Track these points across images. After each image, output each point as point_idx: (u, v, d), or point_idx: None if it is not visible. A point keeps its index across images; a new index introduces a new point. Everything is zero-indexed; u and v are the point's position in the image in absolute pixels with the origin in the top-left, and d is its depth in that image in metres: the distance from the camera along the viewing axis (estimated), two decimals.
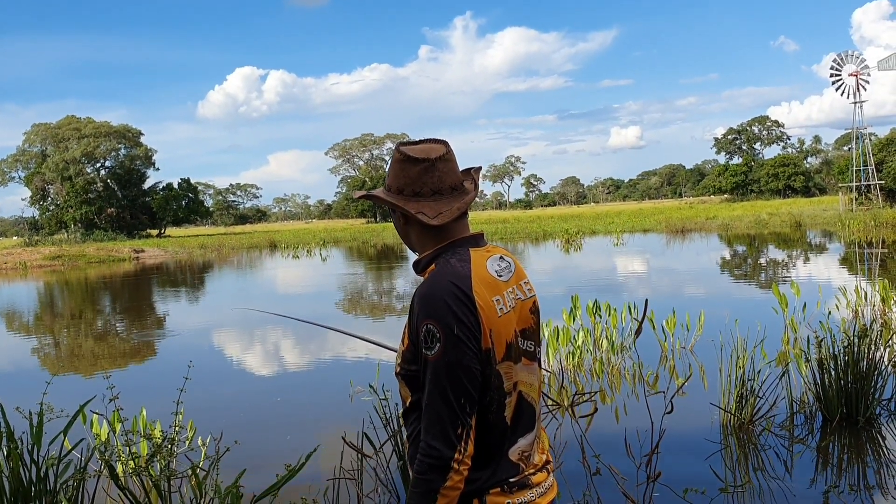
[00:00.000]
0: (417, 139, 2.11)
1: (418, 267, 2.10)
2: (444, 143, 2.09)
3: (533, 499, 1.99)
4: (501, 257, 2.07)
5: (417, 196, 2.03)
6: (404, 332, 2.01)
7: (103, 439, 5.18)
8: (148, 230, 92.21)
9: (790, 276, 18.34)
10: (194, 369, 4.64)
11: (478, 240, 2.09)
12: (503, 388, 1.95)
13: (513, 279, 2.06)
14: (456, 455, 1.84)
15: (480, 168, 2.22)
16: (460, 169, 2.15)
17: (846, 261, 22.80)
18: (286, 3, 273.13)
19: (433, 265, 2.04)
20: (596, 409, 5.22)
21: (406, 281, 23.81)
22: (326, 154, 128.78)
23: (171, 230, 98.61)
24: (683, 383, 5.07)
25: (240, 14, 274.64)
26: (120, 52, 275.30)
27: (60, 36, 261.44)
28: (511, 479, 1.96)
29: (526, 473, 2.00)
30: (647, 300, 4.07)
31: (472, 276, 1.94)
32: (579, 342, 9.01)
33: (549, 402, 6.43)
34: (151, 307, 22.25)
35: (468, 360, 1.86)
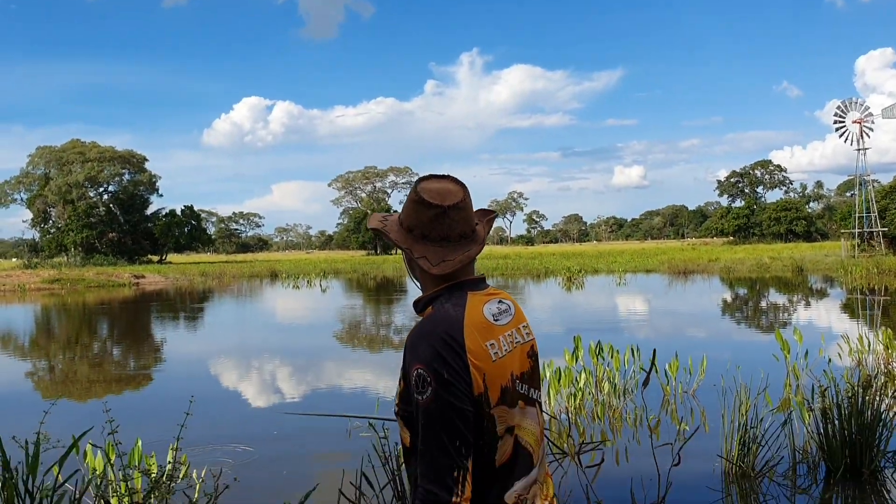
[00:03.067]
0: (437, 174, 2.09)
1: (417, 307, 2.09)
2: (462, 187, 2.07)
3: None
4: (501, 300, 2.07)
5: (425, 239, 2.03)
6: (401, 373, 2.00)
7: (99, 471, 5.11)
8: (149, 256, 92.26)
9: (792, 322, 18.28)
10: (189, 401, 4.59)
11: (478, 283, 2.08)
12: (495, 432, 1.94)
13: (511, 323, 2.05)
14: (454, 499, 1.83)
15: (496, 215, 2.20)
16: (477, 208, 2.14)
17: (848, 307, 22.75)
18: (295, 36, 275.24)
19: (430, 307, 2.03)
20: (603, 460, 5.15)
21: (405, 315, 23.74)
22: (329, 185, 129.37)
23: (172, 256, 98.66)
24: (691, 436, 5.01)
25: (248, 45, 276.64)
26: (127, 79, 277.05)
27: (67, 60, 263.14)
28: None
29: None
30: (654, 351, 4.03)
31: (465, 321, 1.94)
32: (581, 384, 8.94)
33: (555, 451, 6.35)
34: (149, 335, 22.16)
35: (460, 402, 1.86)
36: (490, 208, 2.20)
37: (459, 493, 1.84)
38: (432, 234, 2.02)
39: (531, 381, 2.08)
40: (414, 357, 1.91)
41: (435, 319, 1.96)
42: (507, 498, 1.96)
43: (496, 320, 2.00)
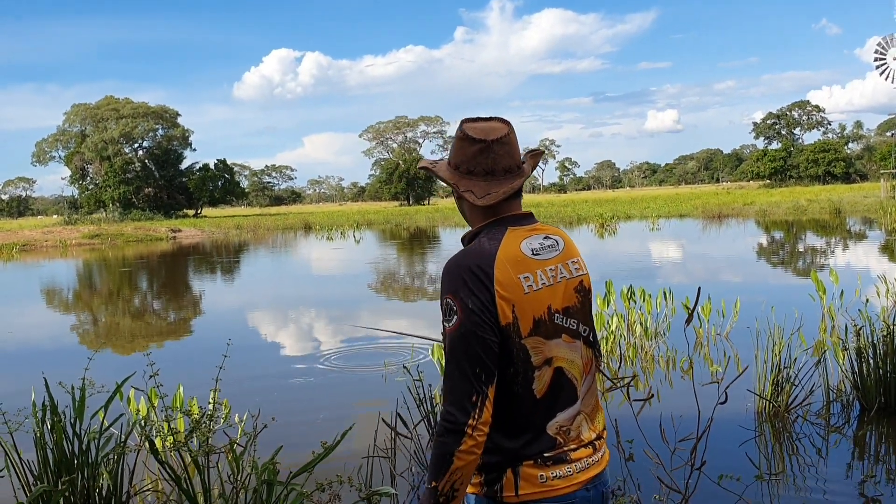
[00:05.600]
0: (482, 116, 2.18)
1: (464, 241, 2.19)
2: (507, 123, 2.15)
3: (570, 473, 2.04)
4: (547, 236, 2.14)
5: (470, 174, 2.11)
6: None
7: (142, 415, 5.27)
8: (184, 210, 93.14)
9: (828, 264, 18.07)
10: (229, 348, 4.69)
11: (520, 219, 2.14)
12: (530, 362, 2.01)
13: (556, 258, 2.12)
14: (470, 421, 1.92)
15: (543, 153, 2.29)
16: (526, 152, 2.23)
17: (887, 248, 22.40)
18: None
19: (472, 242, 2.13)
20: (652, 395, 5.18)
21: (438, 265, 23.82)
22: (360, 136, 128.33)
23: (207, 210, 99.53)
24: (738, 376, 5.02)
25: None
26: (158, 34, 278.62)
27: (100, 17, 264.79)
28: (546, 454, 2.01)
29: (565, 449, 2.05)
30: (699, 289, 4.03)
31: (498, 254, 2.01)
32: (613, 327, 8.97)
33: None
34: (188, 286, 22.54)
35: (483, 332, 1.95)
36: (537, 149, 2.27)
37: (476, 416, 1.93)
38: (477, 169, 2.10)
39: (578, 316, 2.14)
40: (444, 287, 2.02)
41: (468, 252, 2.05)
42: (549, 428, 2.03)
43: (535, 255, 2.07)
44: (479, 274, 1.97)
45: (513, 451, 2.00)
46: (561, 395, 2.06)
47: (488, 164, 2.09)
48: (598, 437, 2.16)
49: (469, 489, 2.05)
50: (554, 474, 2.01)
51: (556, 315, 2.07)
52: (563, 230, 2.25)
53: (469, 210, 2.18)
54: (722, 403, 4.24)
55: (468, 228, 2.20)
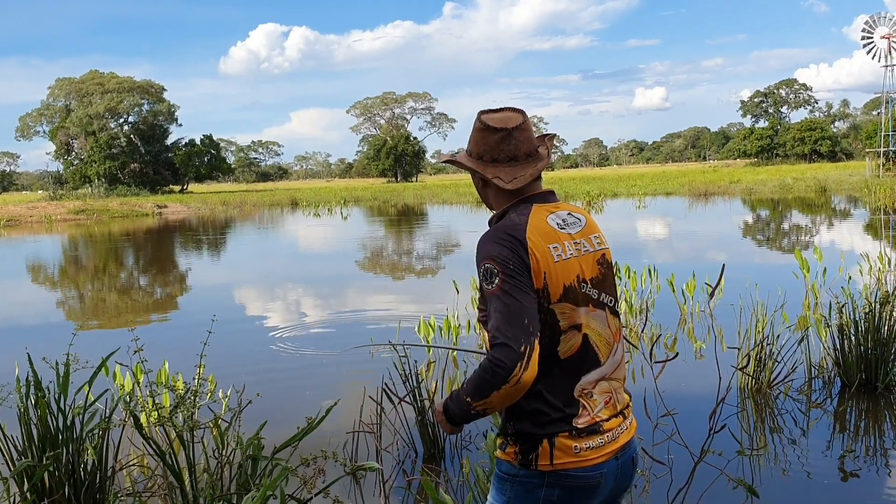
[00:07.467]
0: (494, 108, 2.33)
1: (491, 223, 2.32)
2: (522, 112, 2.30)
3: (602, 444, 2.18)
4: (570, 213, 2.29)
5: (495, 162, 2.27)
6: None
7: (127, 390, 5.27)
8: (170, 186, 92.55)
9: (813, 242, 18.18)
10: (215, 324, 4.68)
11: (545, 196, 2.30)
12: (557, 326, 2.15)
13: (580, 232, 2.26)
14: (515, 372, 2.01)
15: (555, 135, 2.42)
16: (536, 136, 2.36)
17: (871, 227, 22.55)
18: None
19: (503, 219, 2.27)
20: (677, 355, 5.24)
21: (426, 242, 23.86)
22: (348, 112, 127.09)
23: (193, 186, 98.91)
24: (757, 373, 5.04)
25: None
26: (144, 8, 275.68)
27: None
28: (580, 426, 2.15)
29: (597, 420, 2.18)
30: (723, 265, 4.06)
31: (528, 225, 2.16)
32: None
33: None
34: (174, 262, 22.46)
35: (526, 288, 2.08)
36: (549, 133, 2.41)
37: (522, 368, 2.02)
38: (501, 156, 2.26)
39: (601, 287, 2.27)
40: (481, 255, 2.15)
41: (500, 226, 2.21)
42: (575, 392, 2.17)
43: (561, 228, 2.22)
44: (513, 241, 2.12)
45: (550, 420, 2.13)
46: (586, 360, 2.19)
47: (511, 151, 2.25)
48: (627, 406, 2.31)
49: (503, 456, 2.20)
50: (587, 445, 2.15)
51: (584, 284, 2.21)
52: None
53: (495, 195, 2.31)
54: (741, 369, 4.28)
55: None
